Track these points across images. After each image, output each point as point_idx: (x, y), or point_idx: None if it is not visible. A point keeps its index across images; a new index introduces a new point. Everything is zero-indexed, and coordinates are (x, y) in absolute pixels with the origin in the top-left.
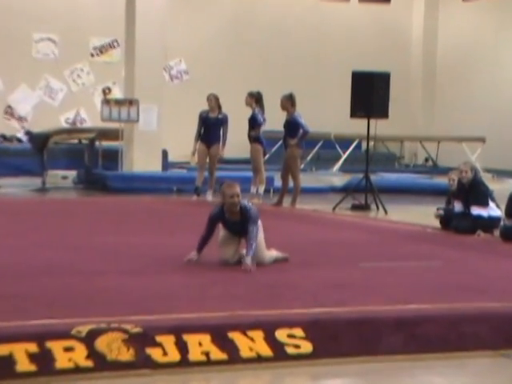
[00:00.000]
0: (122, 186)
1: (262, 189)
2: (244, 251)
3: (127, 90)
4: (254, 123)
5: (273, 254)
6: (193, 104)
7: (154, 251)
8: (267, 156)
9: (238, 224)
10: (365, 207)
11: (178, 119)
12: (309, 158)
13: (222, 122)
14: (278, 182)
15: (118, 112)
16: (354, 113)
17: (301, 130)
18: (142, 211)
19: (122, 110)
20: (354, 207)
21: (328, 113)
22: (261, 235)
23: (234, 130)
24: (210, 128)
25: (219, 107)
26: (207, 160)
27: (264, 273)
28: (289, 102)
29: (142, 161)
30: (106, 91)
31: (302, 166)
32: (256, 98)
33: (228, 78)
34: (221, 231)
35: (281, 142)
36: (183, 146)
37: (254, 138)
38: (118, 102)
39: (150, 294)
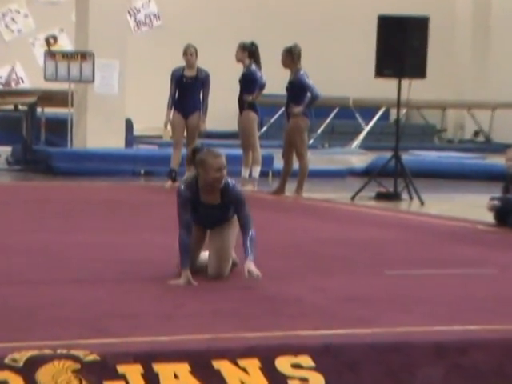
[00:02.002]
0: (71, 168)
1: (256, 171)
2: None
3: (79, 39)
4: (250, 84)
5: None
6: (166, 59)
7: (115, 254)
8: (264, 128)
9: (216, 209)
10: (394, 196)
11: (147, 79)
12: (320, 130)
13: (203, 82)
14: (278, 163)
15: (66, 69)
16: (381, 71)
17: (308, 94)
18: (99, 201)
19: (71, 67)
20: (380, 196)
21: (345, 71)
22: (235, 234)
23: (218, 95)
24: (187, 91)
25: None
26: (185, 134)
27: (258, 282)
28: (290, 56)
29: (98, 134)
30: (51, 41)
31: (311, 142)
32: (250, 52)
33: (212, 25)
34: None
35: (282, 110)
36: (153, 115)
37: (247, 105)
38: (67, 56)
39: (108, 310)
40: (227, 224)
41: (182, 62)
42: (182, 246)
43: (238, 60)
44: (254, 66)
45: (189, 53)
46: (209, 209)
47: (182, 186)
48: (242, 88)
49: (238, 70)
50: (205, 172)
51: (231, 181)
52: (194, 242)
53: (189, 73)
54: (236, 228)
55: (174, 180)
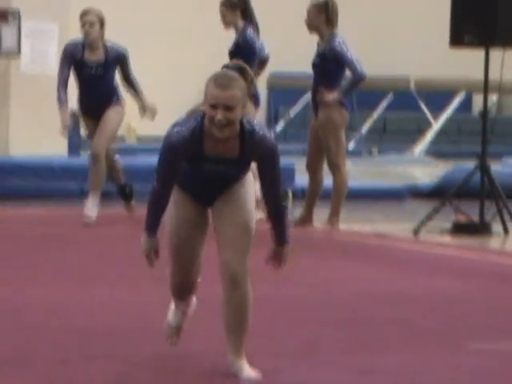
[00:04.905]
0: None
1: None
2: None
3: None
4: (246, 58)
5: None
6: (130, 20)
7: (53, 318)
8: (279, 126)
9: (231, 167)
10: (480, 228)
11: None
12: (365, 128)
13: (118, 65)
14: (301, 178)
15: None
16: (459, 37)
17: (347, 73)
18: (29, 237)
19: None
20: (458, 228)
21: (404, 38)
22: (253, 199)
23: (193, 75)
24: (94, 86)
25: (103, 38)
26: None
27: (277, 362)
28: (324, 14)
29: (27, 134)
30: None
31: (352, 145)
32: (242, 8)
33: None
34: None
35: (307, 98)
36: None
37: None
38: None
39: None
40: (237, 185)
41: (158, 25)
42: (155, 204)
43: (227, 24)
44: (250, 31)
45: (87, 22)
46: (219, 166)
47: (176, 129)
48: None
49: (229, 36)
50: (205, 103)
51: (259, 126)
52: (192, 238)
53: (92, 55)
54: (252, 188)
55: (129, 198)
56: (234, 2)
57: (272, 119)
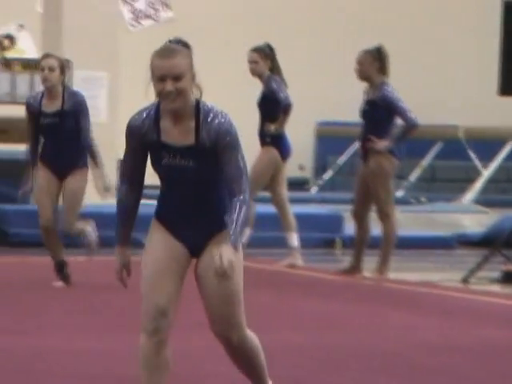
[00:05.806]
0: (36, 235)
1: (293, 239)
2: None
3: (48, 40)
4: (272, 108)
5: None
6: None
7: (105, 366)
8: (328, 174)
9: (189, 159)
10: None
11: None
12: (414, 176)
13: (76, 115)
14: (350, 227)
15: (28, 85)
16: (508, 86)
17: (398, 122)
18: (79, 286)
19: (37, 82)
20: (508, 277)
21: (452, 87)
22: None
23: (243, 121)
24: (53, 138)
25: (63, 84)
26: (57, 200)
27: None
28: (378, 62)
29: None
30: (5, 43)
31: (400, 194)
32: (271, 58)
33: (251, 19)
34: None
35: (355, 147)
36: None
37: (269, 138)
38: (30, 66)
39: None
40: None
41: (207, 75)
42: (119, 211)
43: (257, 71)
44: (275, 82)
45: (46, 66)
46: (176, 158)
47: (136, 115)
48: (263, 114)
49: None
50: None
51: (217, 110)
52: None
53: (49, 106)
54: (240, 256)
55: (64, 276)
56: (267, 52)
57: (320, 168)
